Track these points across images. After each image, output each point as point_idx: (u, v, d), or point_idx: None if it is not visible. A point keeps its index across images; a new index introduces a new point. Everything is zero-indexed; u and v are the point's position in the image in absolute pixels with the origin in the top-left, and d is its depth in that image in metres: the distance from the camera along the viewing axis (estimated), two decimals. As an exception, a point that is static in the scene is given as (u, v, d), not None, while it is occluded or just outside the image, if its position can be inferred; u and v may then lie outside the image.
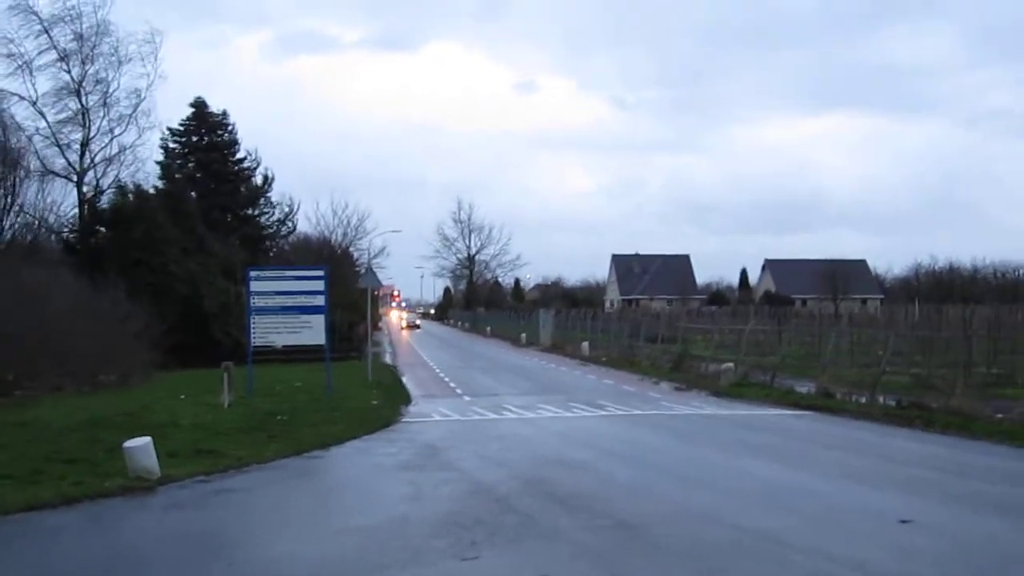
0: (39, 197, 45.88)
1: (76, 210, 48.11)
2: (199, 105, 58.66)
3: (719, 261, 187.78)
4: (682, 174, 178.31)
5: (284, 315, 26.05)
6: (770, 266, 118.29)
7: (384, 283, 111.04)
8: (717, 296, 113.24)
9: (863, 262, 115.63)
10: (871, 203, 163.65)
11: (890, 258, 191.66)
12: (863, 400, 23.50)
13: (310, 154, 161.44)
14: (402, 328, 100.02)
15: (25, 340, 24.80)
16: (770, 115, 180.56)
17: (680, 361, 35.45)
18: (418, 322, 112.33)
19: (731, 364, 30.06)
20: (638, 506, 11.51)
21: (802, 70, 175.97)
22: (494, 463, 15.21)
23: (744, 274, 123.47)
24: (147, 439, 13.53)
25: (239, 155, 59.85)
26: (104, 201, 47.90)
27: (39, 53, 47.32)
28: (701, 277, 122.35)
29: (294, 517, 11.69)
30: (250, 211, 60.35)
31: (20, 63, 46.86)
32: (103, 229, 45.40)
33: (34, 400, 22.89)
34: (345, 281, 52.95)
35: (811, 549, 9.35)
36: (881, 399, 23.19)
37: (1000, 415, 19.81)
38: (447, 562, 9.13)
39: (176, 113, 67.83)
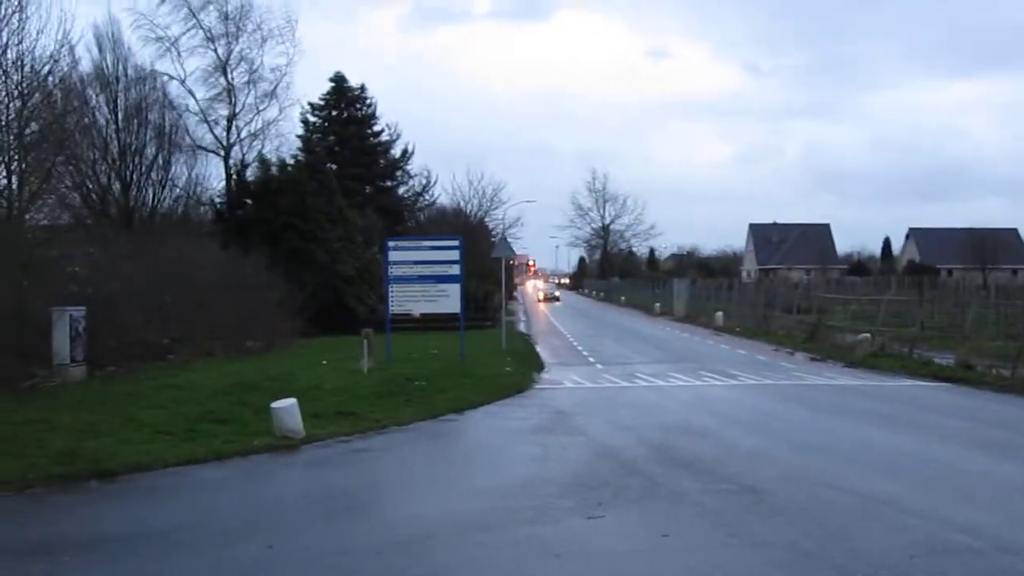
0: (189, 172, 47.95)
1: (223, 183, 50.15)
2: (338, 80, 60.29)
3: (860, 230, 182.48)
4: (820, 141, 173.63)
5: (421, 284, 26.82)
6: (914, 235, 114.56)
7: (518, 253, 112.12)
8: (858, 266, 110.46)
9: (1014, 231, 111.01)
10: (1020, 169, 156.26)
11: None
12: (1005, 373, 22.94)
13: (444, 124, 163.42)
14: (538, 300, 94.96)
15: (181, 307, 26.19)
16: (914, 78, 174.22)
17: (815, 332, 35.04)
18: (557, 294, 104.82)
19: (867, 335, 29.63)
20: (760, 471, 11.71)
21: (950, 30, 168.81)
22: (622, 429, 15.55)
23: (887, 243, 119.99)
24: (292, 401, 14.32)
25: (377, 128, 61.33)
26: (249, 175, 49.74)
27: (187, 34, 49.36)
28: (842, 246, 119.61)
29: (428, 476, 12.31)
30: (388, 183, 61.83)
31: (169, 45, 48.98)
32: (249, 201, 47.17)
33: (186, 364, 24.18)
34: (480, 251, 53.85)
35: (928, 514, 9.45)
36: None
37: None
38: (573, 520, 9.53)
39: (314, 88, 69.54)
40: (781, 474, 11.65)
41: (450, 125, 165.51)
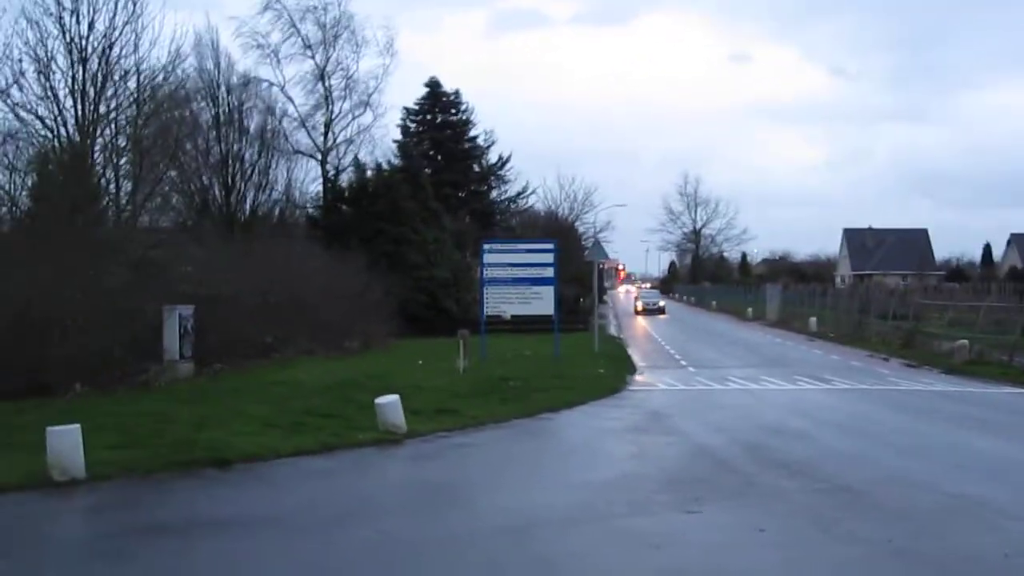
0: (288, 176, 49.22)
1: (319, 187, 51.34)
2: (433, 85, 61.17)
3: (958, 236, 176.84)
4: (911, 144, 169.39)
5: (515, 286, 27.29)
6: (1016, 241, 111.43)
7: (610, 258, 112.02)
8: (957, 272, 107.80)
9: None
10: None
11: None
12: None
13: (533, 130, 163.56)
14: (636, 312, 72.39)
15: (283, 307, 27.04)
16: (1007, 78, 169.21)
17: (911, 338, 34.58)
18: (661, 303, 77.03)
19: (965, 341, 29.19)
20: (854, 472, 11.84)
21: None
22: (716, 429, 15.75)
23: (988, 249, 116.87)
24: (395, 397, 14.83)
25: (473, 133, 62.11)
26: (344, 179, 50.86)
27: (286, 41, 50.68)
28: (940, 252, 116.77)
29: (528, 470, 12.71)
30: (482, 188, 62.56)
31: (269, 52, 50.35)
32: (344, 205, 48.18)
33: (288, 362, 24.98)
34: (571, 254, 54.16)
35: (1022, 516, 9.50)
36: None
37: None
38: (671, 514, 9.83)
39: (406, 94, 70.48)
40: (876, 476, 11.76)
41: (540, 130, 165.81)
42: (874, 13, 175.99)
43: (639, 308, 73.26)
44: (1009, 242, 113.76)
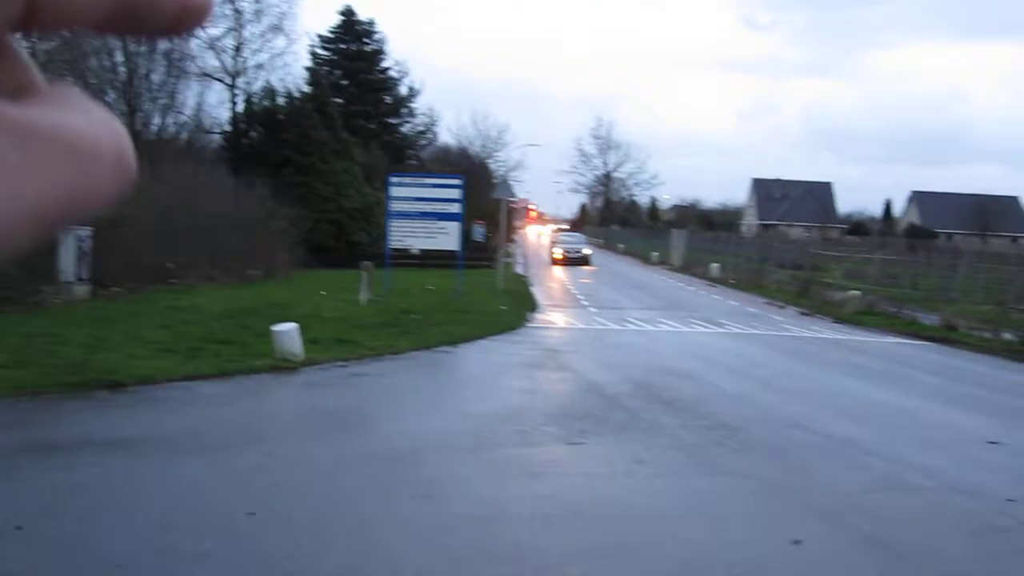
0: (195, 99, 48.22)
1: (229, 113, 50.40)
2: (347, 14, 60.18)
3: (862, 191, 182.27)
4: (821, 99, 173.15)
5: (421, 220, 27.28)
6: (917, 198, 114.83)
7: (520, 197, 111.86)
8: (859, 226, 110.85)
9: (1015, 199, 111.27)
10: (1018, 137, 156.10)
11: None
12: (987, 335, 23.52)
13: (447, 64, 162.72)
14: (555, 261, 55.82)
15: (185, 233, 26.69)
16: (916, 40, 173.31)
17: (807, 287, 35.57)
18: (586, 251, 57.99)
19: (857, 292, 30.18)
20: (736, 411, 12.32)
21: None
22: (608, 367, 16.13)
23: (888, 205, 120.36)
24: (293, 325, 14.88)
25: (385, 64, 61.39)
26: (255, 105, 49.94)
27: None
28: (843, 206, 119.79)
29: (421, 399, 12.93)
30: (393, 120, 62.02)
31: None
32: (255, 130, 47.44)
33: (189, 288, 24.76)
34: (481, 192, 54.22)
35: (889, 456, 10.08)
36: (1008, 335, 23.16)
37: None
38: (555, 445, 10.15)
39: (323, 22, 69.18)
40: (756, 414, 12.26)
41: (454, 66, 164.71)
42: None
43: (558, 257, 56.59)
44: (910, 199, 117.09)
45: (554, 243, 62.72)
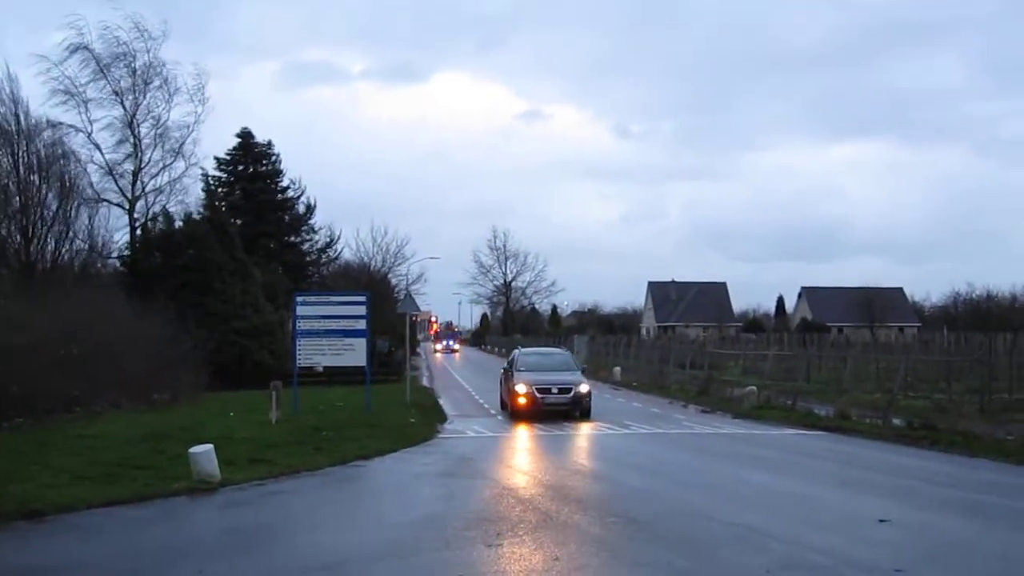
0: (93, 225, 47.95)
1: (127, 237, 50.23)
2: (245, 135, 60.98)
3: (756, 289, 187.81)
4: (702, 201, 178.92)
5: (328, 338, 27.63)
6: (806, 293, 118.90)
7: (422, 309, 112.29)
8: (753, 323, 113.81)
9: (900, 290, 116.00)
10: (897, 230, 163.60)
11: (927, 286, 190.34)
12: (878, 422, 24.63)
13: (345, 182, 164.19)
14: (435, 352, 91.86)
15: (87, 360, 26.52)
16: (788, 142, 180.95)
17: (707, 385, 36.65)
18: (456, 346, 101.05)
19: (754, 388, 31.31)
20: (645, 507, 12.91)
21: (816, 99, 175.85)
22: (521, 472, 16.66)
23: (780, 301, 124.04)
24: (209, 446, 15.08)
25: (283, 184, 62.07)
26: (154, 229, 49.92)
27: (92, 85, 49.44)
28: (738, 304, 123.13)
29: (339, 513, 13.25)
30: (292, 239, 62.47)
31: (76, 98, 49.06)
32: (154, 254, 47.37)
33: (95, 416, 24.54)
34: (384, 307, 54.69)
35: (789, 539, 10.77)
36: (897, 421, 24.27)
37: (1011, 437, 20.77)
38: (475, 547, 10.56)
39: (222, 143, 69.62)
40: (664, 509, 12.86)
41: (351, 184, 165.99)
42: (658, 77, 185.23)
43: (438, 349, 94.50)
44: (800, 295, 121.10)
45: (436, 342, 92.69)
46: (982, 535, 11.46)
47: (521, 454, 19.45)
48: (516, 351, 31.63)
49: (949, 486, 15.28)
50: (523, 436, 23.09)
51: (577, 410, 26.83)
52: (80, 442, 18.84)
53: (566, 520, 12.04)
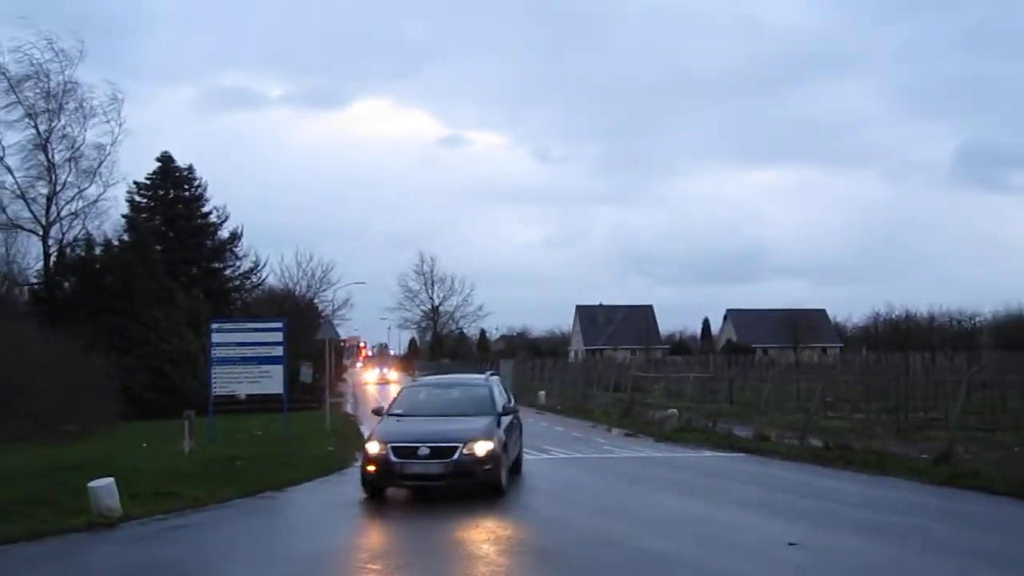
0: (4, 250, 46.85)
1: (41, 263, 49.05)
2: (165, 160, 60.01)
3: (681, 311, 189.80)
4: (625, 225, 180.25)
5: (244, 365, 27.19)
6: (732, 316, 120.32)
7: (351, 335, 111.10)
8: (680, 345, 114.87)
9: (823, 311, 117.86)
10: (815, 253, 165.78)
11: (849, 308, 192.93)
12: (795, 443, 24.82)
13: (264, 208, 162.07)
14: (366, 384, 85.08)
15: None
16: (705, 168, 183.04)
17: (629, 408, 36.73)
18: (392, 375, 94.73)
19: (675, 410, 31.43)
20: (555, 535, 12.79)
21: (729, 126, 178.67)
22: (431, 504, 16.31)
23: (707, 324, 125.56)
24: (110, 479, 14.62)
25: (205, 209, 61.18)
26: (70, 254, 48.86)
27: (5, 108, 48.34)
28: (665, 327, 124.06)
29: (245, 547, 12.90)
30: (216, 264, 61.58)
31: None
32: (69, 281, 46.39)
33: (1, 448, 23.82)
34: (310, 333, 54.08)
35: (694, 564, 10.74)
36: (815, 442, 24.47)
37: (925, 455, 21.03)
38: (377, 581, 10.36)
39: (141, 167, 68.39)
40: (574, 537, 12.74)
41: (273, 209, 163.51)
42: (575, 105, 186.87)
43: (375, 380, 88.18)
44: (725, 317, 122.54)
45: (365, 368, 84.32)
46: (889, 558, 11.50)
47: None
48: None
49: (860, 506, 15.35)
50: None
51: (466, 483, 15.86)
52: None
53: (473, 551, 11.88)
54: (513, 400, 20.25)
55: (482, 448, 15.74)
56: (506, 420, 17.56)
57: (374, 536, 13.16)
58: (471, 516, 14.43)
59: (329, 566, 11.05)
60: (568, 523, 13.99)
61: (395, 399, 19.41)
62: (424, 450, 15.61)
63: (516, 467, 18.87)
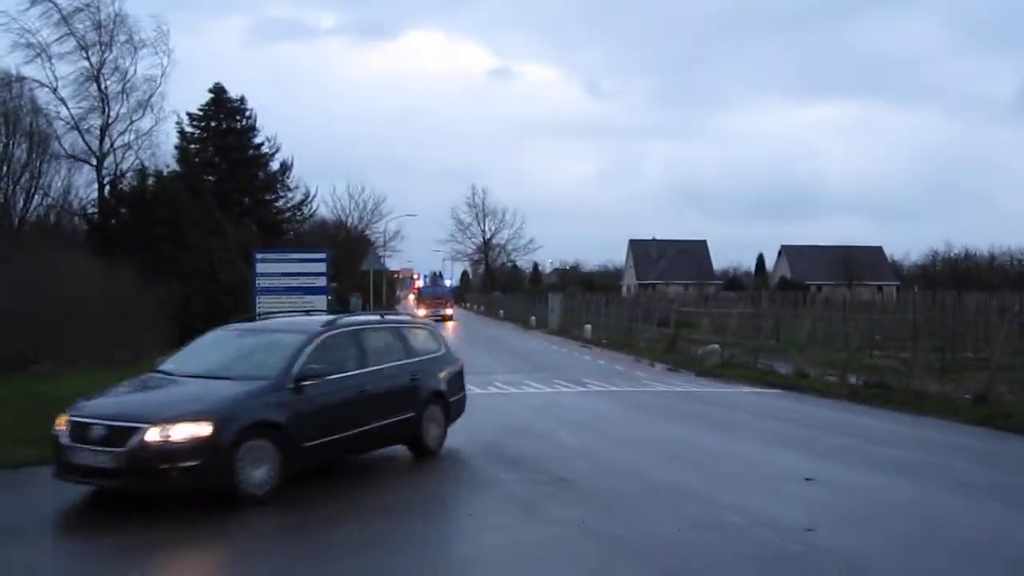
0: (61, 181, 47.56)
1: (96, 194, 49.78)
2: (218, 91, 60.26)
3: (735, 247, 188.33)
4: (678, 160, 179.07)
5: (288, 295, 27.51)
6: (786, 252, 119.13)
7: (403, 267, 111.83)
8: (734, 282, 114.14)
9: (879, 249, 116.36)
10: (874, 190, 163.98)
11: (907, 246, 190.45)
12: (835, 380, 24.70)
13: (319, 139, 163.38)
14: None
15: (46, 317, 26.35)
16: (763, 102, 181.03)
17: (673, 343, 36.73)
18: (448, 311, 74.84)
19: (716, 346, 31.37)
20: (575, 465, 12.91)
21: (786, 59, 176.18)
22: (458, 431, 16.46)
23: (761, 260, 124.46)
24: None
25: (257, 140, 61.56)
26: (124, 184, 49.44)
27: (58, 40, 48.72)
28: (719, 263, 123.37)
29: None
30: (267, 196, 62.05)
31: (39, 51, 48.33)
32: (123, 211, 46.97)
33: (50, 375, 24.40)
34: (360, 264, 54.47)
35: (706, 498, 10.81)
36: (854, 379, 24.34)
37: (968, 396, 20.78)
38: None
39: (194, 99, 68.78)
40: (592, 467, 12.89)
41: (326, 141, 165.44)
42: (632, 37, 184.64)
43: (421, 314, 62.19)
44: (780, 253, 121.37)
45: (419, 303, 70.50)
46: (904, 494, 11.49)
47: (465, 413, 19.31)
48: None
49: (887, 444, 15.31)
50: (477, 394, 22.88)
51: (153, 488, 10.15)
52: (24, 402, 18.70)
53: (491, 478, 12.07)
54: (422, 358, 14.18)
55: (184, 432, 9.90)
56: (313, 392, 11.21)
57: (397, 464, 13.32)
58: (496, 444, 14.60)
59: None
60: (589, 453, 14.12)
61: (184, 347, 13.77)
62: (99, 430, 10.18)
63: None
